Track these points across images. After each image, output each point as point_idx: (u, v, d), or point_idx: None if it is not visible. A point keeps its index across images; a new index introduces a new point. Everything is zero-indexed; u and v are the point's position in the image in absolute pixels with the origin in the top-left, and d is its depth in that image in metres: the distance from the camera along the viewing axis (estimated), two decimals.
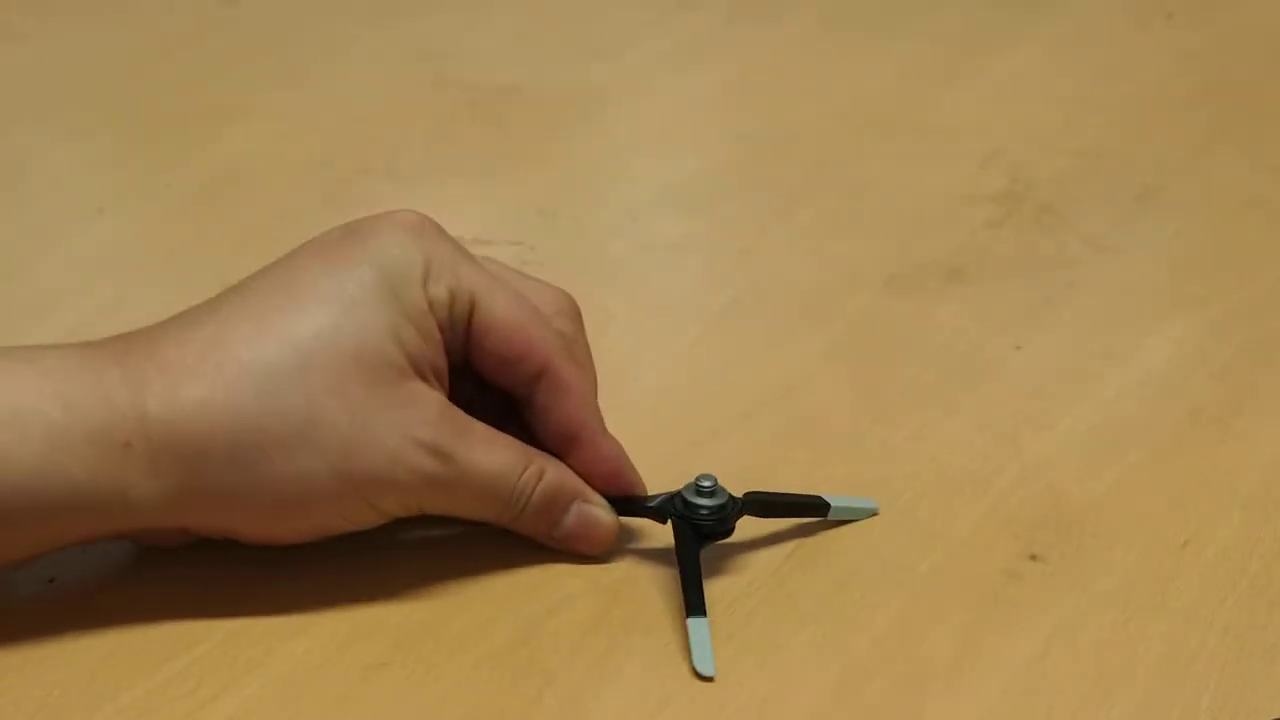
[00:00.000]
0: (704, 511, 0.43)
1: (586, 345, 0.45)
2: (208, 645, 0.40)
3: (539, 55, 0.78)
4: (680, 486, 0.43)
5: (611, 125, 0.72)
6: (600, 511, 0.43)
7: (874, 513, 0.46)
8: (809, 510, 0.45)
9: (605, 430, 0.44)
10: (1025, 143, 0.70)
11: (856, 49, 0.80)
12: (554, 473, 0.42)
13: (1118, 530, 0.45)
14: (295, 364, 0.39)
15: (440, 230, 0.42)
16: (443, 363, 0.41)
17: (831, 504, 0.45)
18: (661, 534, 0.44)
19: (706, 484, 0.43)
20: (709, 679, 0.40)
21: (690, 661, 0.40)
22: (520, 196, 0.64)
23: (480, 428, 0.41)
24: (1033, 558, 0.44)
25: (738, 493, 0.44)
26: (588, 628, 0.41)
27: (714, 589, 0.43)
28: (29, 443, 0.37)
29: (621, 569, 0.43)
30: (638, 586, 0.43)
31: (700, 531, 0.43)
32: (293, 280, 0.40)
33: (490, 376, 0.43)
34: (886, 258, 0.60)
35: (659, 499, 0.43)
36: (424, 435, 0.40)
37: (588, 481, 0.43)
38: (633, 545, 0.44)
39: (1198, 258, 0.61)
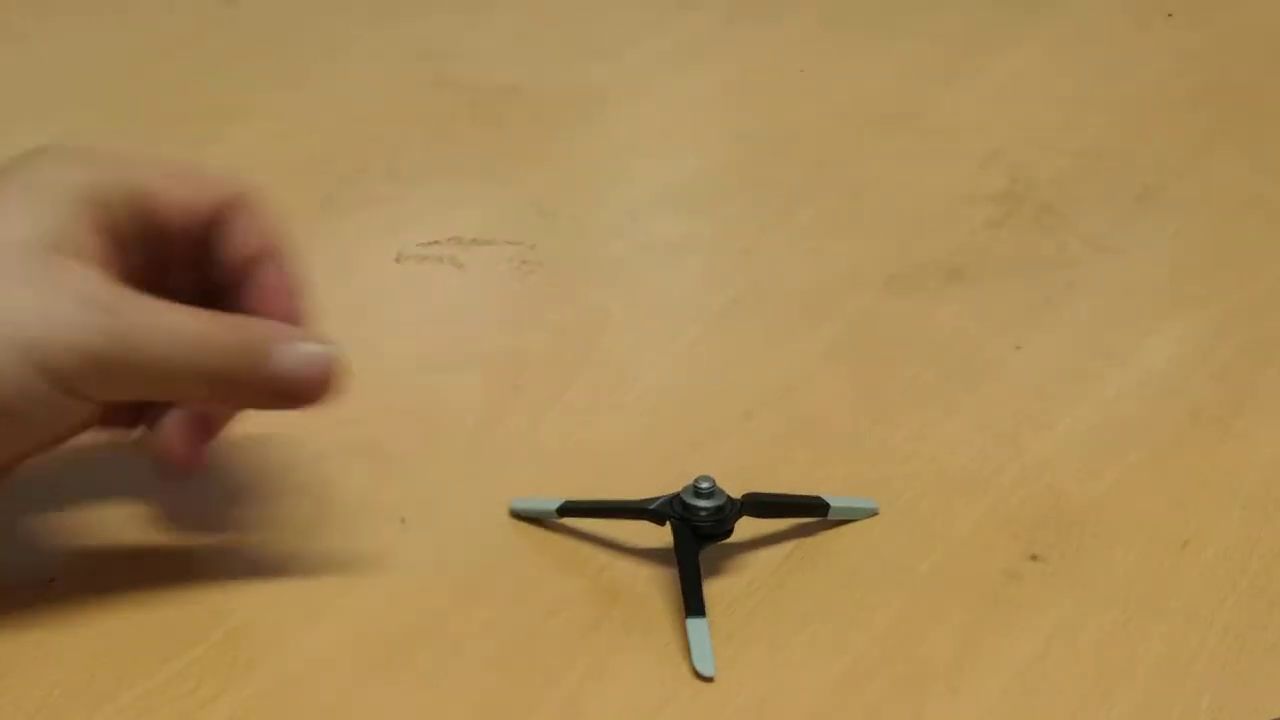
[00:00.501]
0: (703, 513, 0.43)
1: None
2: (208, 645, 0.40)
3: (539, 55, 0.78)
4: (680, 488, 0.43)
5: (611, 125, 0.72)
6: (309, 345, 0.39)
7: (874, 513, 0.46)
8: (809, 510, 0.45)
9: (286, 253, 0.42)
10: (1025, 143, 0.70)
11: (856, 49, 0.80)
12: (243, 320, 0.39)
13: (1118, 530, 0.45)
14: None
15: (102, 148, 0.41)
16: (114, 259, 0.39)
17: (831, 504, 0.45)
18: (661, 535, 0.44)
19: (705, 485, 0.43)
20: (709, 679, 0.40)
21: (690, 661, 0.40)
22: (520, 196, 0.64)
23: (160, 300, 0.38)
24: (1033, 558, 0.44)
25: (737, 493, 0.44)
26: (588, 628, 0.41)
27: (714, 589, 0.43)
28: None
29: (621, 569, 0.43)
30: (637, 586, 0.43)
31: (699, 533, 0.43)
32: None
33: (181, 256, 0.41)
34: (886, 258, 0.60)
35: (658, 501, 0.43)
36: (93, 292, 0.37)
37: (266, 306, 0.41)
38: (633, 546, 0.44)
39: (1198, 258, 0.61)
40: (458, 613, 0.42)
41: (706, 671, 0.40)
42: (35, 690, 0.39)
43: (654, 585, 0.43)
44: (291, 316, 0.41)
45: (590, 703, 0.39)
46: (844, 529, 0.45)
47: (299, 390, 0.39)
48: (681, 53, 0.79)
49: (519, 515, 0.45)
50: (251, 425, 0.48)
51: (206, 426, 0.43)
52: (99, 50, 0.77)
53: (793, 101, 0.74)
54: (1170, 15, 0.84)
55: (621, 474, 0.47)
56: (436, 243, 0.60)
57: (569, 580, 0.43)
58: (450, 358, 0.53)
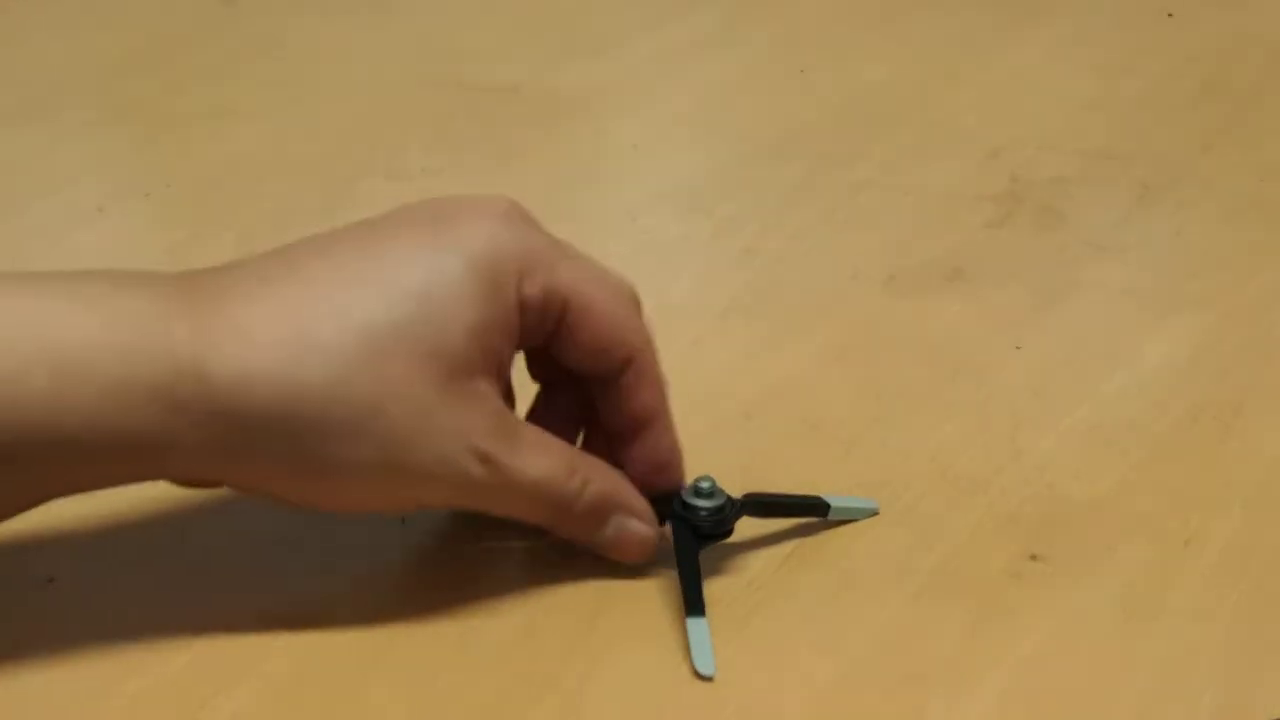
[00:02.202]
0: (703, 513, 0.43)
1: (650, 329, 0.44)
2: (208, 645, 0.40)
3: (539, 55, 0.78)
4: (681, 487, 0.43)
5: (611, 125, 0.72)
6: (641, 526, 0.43)
7: (874, 513, 0.46)
8: (809, 510, 0.45)
9: (672, 421, 0.44)
10: (1025, 143, 0.70)
11: (856, 49, 0.80)
12: (599, 482, 0.42)
13: (1118, 530, 0.45)
14: (369, 352, 0.38)
15: (531, 220, 0.42)
16: (511, 360, 0.41)
17: (831, 504, 0.45)
18: (662, 535, 0.44)
19: (705, 485, 0.43)
20: (709, 679, 0.40)
21: (690, 661, 0.40)
22: (520, 196, 0.64)
23: (531, 433, 0.41)
24: (1033, 558, 0.44)
25: (737, 493, 0.44)
26: (588, 628, 0.41)
27: (714, 589, 0.43)
28: (86, 393, 0.36)
29: (621, 569, 0.43)
30: (637, 586, 0.43)
31: (699, 533, 0.43)
32: (379, 257, 0.39)
33: (575, 365, 0.43)
34: (886, 258, 0.60)
35: (658, 500, 0.43)
36: (478, 442, 0.39)
37: (639, 469, 0.43)
38: None
39: (1198, 258, 0.61)
40: (458, 612, 0.42)
41: (706, 671, 0.40)
42: (36, 690, 0.39)
43: (654, 585, 0.43)
44: (658, 482, 0.44)
45: (590, 703, 0.39)
46: (844, 529, 0.45)
47: (610, 552, 0.43)
48: (681, 52, 0.79)
49: None
50: None
51: None
52: (99, 50, 0.77)
53: (793, 101, 0.74)
54: (1170, 15, 0.84)
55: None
56: None
57: (569, 580, 0.43)
58: None
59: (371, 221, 0.41)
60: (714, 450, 0.48)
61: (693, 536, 0.43)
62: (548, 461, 0.41)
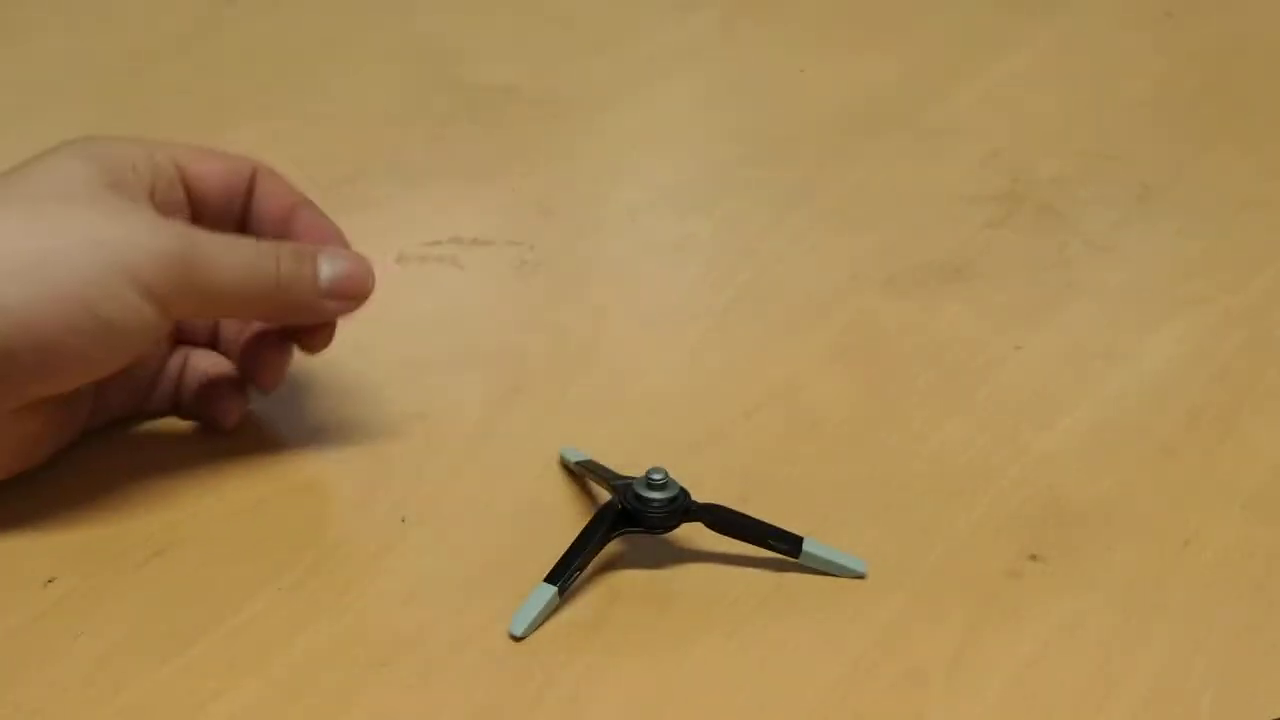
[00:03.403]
0: (654, 504, 0.43)
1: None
2: (208, 645, 0.40)
3: (539, 55, 0.78)
4: (680, 487, 0.43)
5: (611, 125, 0.72)
6: (350, 261, 0.45)
7: (860, 575, 0.43)
8: (776, 543, 0.43)
9: (317, 208, 0.47)
10: (1025, 143, 0.70)
11: (856, 49, 0.80)
12: (291, 243, 0.45)
13: (1118, 530, 0.45)
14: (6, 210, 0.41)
15: (108, 138, 0.44)
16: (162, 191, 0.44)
17: (806, 547, 0.43)
18: (663, 540, 0.44)
19: (658, 477, 0.43)
20: (516, 638, 0.40)
21: (512, 617, 0.41)
22: (520, 196, 0.64)
23: (209, 230, 0.43)
24: (1033, 558, 0.44)
25: (736, 492, 0.43)
26: (588, 628, 0.41)
27: (714, 588, 0.43)
28: None
29: (621, 569, 0.43)
30: (638, 586, 0.43)
31: (632, 519, 0.43)
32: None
33: (212, 214, 0.46)
34: (886, 258, 0.60)
35: (621, 481, 0.43)
36: (161, 221, 0.42)
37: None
38: (632, 546, 0.44)
39: (1198, 258, 0.61)
40: (457, 612, 0.42)
41: (515, 631, 0.40)
42: (35, 690, 0.39)
43: (654, 585, 0.43)
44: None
45: (590, 703, 0.39)
46: (843, 529, 0.45)
47: (345, 289, 0.45)
48: (681, 52, 0.79)
49: (564, 464, 0.47)
50: (251, 426, 0.48)
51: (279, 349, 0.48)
52: (99, 50, 0.77)
53: (793, 101, 0.74)
54: (1170, 15, 0.84)
55: (622, 474, 0.47)
56: (437, 243, 0.60)
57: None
58: (450, 358, 0.53)
59: None
60: (714, 450, 0.49)
61: (611, 519, 0.43)
62: (240, 241, 0.44)
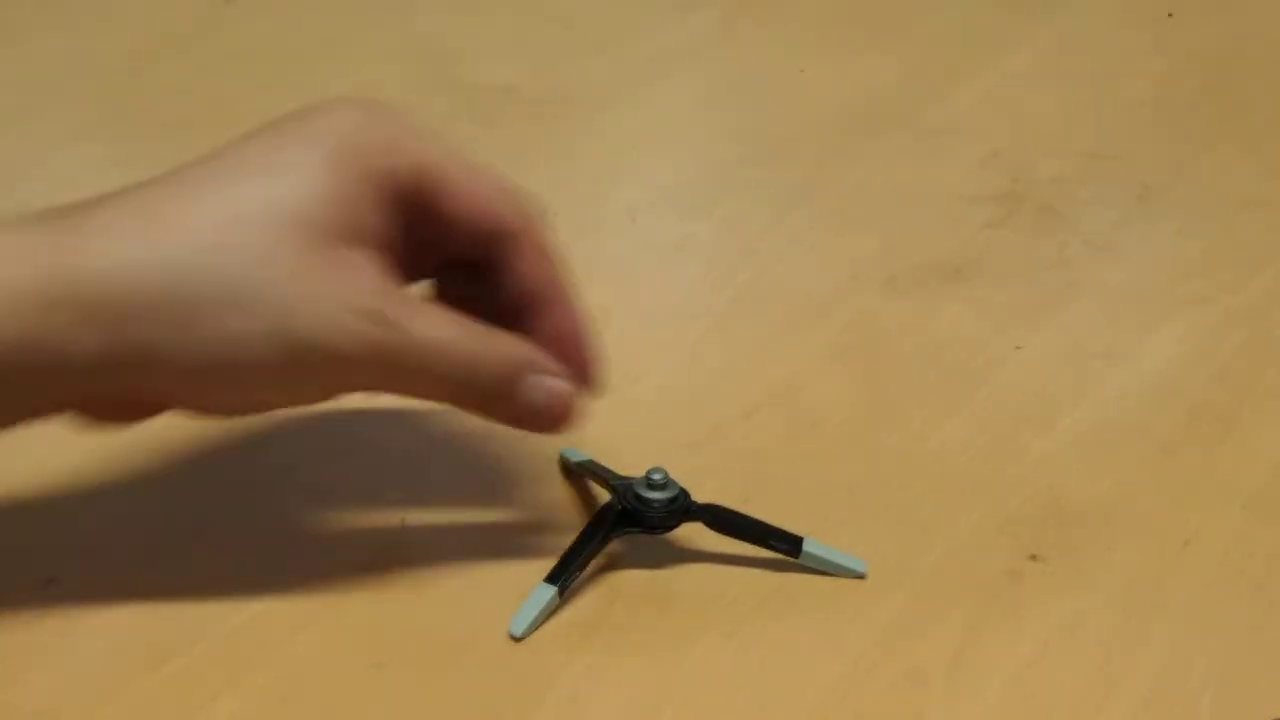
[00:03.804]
0: (655, 505, 0.43)
1: (543, 229, 0.43)
2: (208, 645, 0.40)
3: (539, 55, 0.78)
4: (680, 488, 0.43)
5: (611, 125, 0.72)
6: (558, 382, 0.41)
7: (860, 575, 0.43)
8: (776, 544, 0.43)
9: (571, 293, 0.42)
10: (1025, 143, 0.70)
11: (856, 49, 0.80)
12: (507, 345, 0.40)
13: (1118, 530, 0.45)
14: (232, 225, 0.38)
15: (391, 109, 0.41)
16: (397, 239, 0.40)
17: (806, 548, 0.43)
18: (663, 540, 0.44)
19: (658, 477, 0.43)
20: (515, 638, 0.40)
21: (511, 618, 0.41)
22: None
23: (426, 303, 0.40)
24: (1033, 558, 0.44)
25: (736, 492, 0.43)
26: (587, 628, 0.41)
27: (715, 587, 0.43)
28: None
29: (621, 569, 0.43)
30: (638, 586, 0.43)
31: (631, 519, 0.43)
32: (237, 152, 0.40)
33: (456, 246, 0.42)
34: (886, 258, 0.60)
35: (621, 482, 0.43)
36: (367, 302, 0.38)
37: (550, 347, 0.42)
38: (632, 547, 0.44)
39: (1198, 258, 0.61)
40: (457, 612, 0.42)
41: (516, 632, 0.40)
42: (36, 690, 0.39)
43: (654, 585, 0.43)
44: (580, 362, 0.42)
45: (590, 703, 0.39)
46: (843, 530, 0.45)
47: (532, 421, 0.41)
48: (681, 52, 0.79)
49: (565, 464, 0.47)
50: (251, 426, 0.48)
51: None
52: (99, 50, 0.77)
53: (793, 101, 0.74)
54: (1170, 15, 0.84)
55: (622, 474, 0.47)
56: None
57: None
58: None
59: (239, 136, 0.41)
60: (714, 450, 0.49)
61: (612, 520, 0.42)
62: (450, 324, 0.40)
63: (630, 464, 0.45)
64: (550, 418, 0.41)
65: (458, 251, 0.42)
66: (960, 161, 0.68)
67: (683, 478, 0.43)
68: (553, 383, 0.41)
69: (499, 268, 0.42)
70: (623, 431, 0.49)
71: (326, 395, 0.40)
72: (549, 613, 0.41)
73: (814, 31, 0.82)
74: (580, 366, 0.42)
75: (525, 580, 0.42)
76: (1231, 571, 0.44)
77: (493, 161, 0.69)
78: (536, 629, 0.41)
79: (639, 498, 0.43)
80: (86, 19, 0.81)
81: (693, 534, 0.44)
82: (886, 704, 0.39)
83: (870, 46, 0.80)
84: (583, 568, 0.42)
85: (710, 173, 0.68)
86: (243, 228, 0.38)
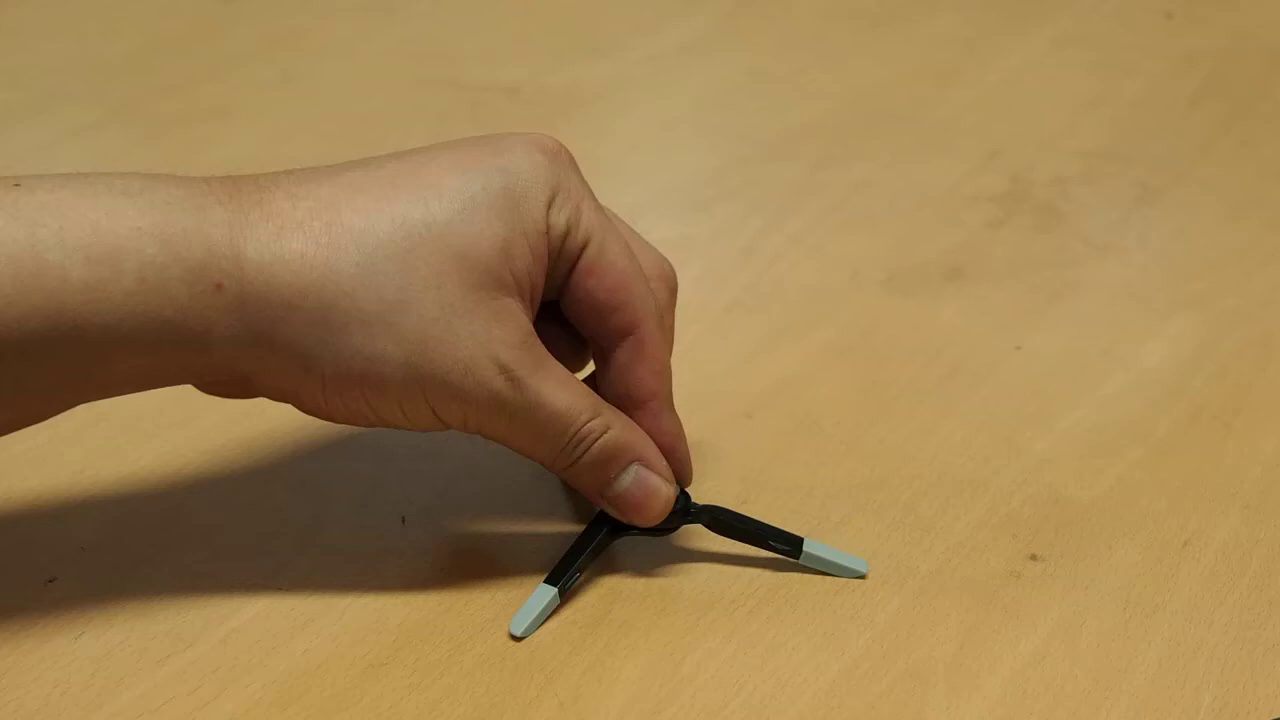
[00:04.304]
0: None
1: (673, 318, 0.44)
2: (208, 645, 0.40)
3: (539, 55, 0.78)
4: (680, 488, 0.43)
5: (611, 125, 0.72)
6: (658, 480, 0.42)
7: (861, 575, 0.43)
8: (777, 545, 0.43)
9: (672, 406, 0.43)
10: (1025, 143, 0.70)
11: (857, 49, 0.80)
12: (620, 430, 0.41)
13: (1118, 530, 0.45)
14: (401, 245, 0.38)
15: (573, 161, 0.42)
16: (540, 289, 0.41)
17: (806, 548, 0.43)
18: (663, 540, 0.44)
19: None
20: (515, 638, 0.40)
21: (512, 617, 0.41)
22: None
23: (557, 365, 0.41)
24: (1033, 558, 0.44)
25: (735, 492, 0.43)
26: (588, 628, 0.41)
27: (713, 589, 0.43)
28: (122, 280, 0.36)
29: (621, 569, 0.43)
30: (637, 586, 0.43)
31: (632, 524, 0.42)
32: (420, 168, 0.40)
33: (579, 319, 0.43)
34: (886, 258, 0.60)
35: None
36: (503, 354, 0.39)
37: None
38: (632, 547, 0.44)
39: (1198, 258, 0.61)
40: (457, 612, 0.42)
41: (516, 631, 0.40)
42: (35, 690, 0.39)
43: (654, 585, 0.43)
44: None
45: (590, 703, 0.39)
46: (843, 530, 0.45)
47: (622, 506, 0.42)
48: (681, 52, 0.79)
49: None
50: (251, 425, 0.48)
51: None
52: (99, 50, 0.77)
53: (793, 102, 0.74)
54: (1170, 15, 0.84)
55: None
56: None
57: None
58: None
59: (420, 147, 0.41)
60: (714, 450, 0.49)
61: (614, 520, 0.42)
62: (572, 394, 0.40)
63: None
64: (638, 508, 0.42)
65: (577, 323, 0.43)
66: (960, 161, 0.68)
67: None
68: (653, 480, 0.42)
69: (609, 359, 0.43)
70: None
71: (435, 428, 0.41)
72: (549, 613, 0.41)
73: (814, 31, 0.82)
74: (673, 468, 0.43)
75: (525, 580, 0.42)
76: (1231, 571, 0.44)
77: None
78: (537, 629, 0.41)
79: None
80: (86, 19, 0.81)
81: (693, 534, 0.44)
82: (886, 704, 0.39)
83: (870, 47, 0.80)
84: (583, 569, 0.42)
85: (710, 173, 0.68)
86: (410, 252, 0.38)
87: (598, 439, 0.41)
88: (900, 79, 0.76)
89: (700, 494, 0.44)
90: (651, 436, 0.42)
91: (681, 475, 0.43)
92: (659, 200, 0.65)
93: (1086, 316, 0.57)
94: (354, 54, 0.78)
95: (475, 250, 0.39)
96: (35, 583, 0.42)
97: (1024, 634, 0.41)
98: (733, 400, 0.51)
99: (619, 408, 0.42)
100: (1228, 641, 0.41)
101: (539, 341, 0.40)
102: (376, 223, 0.38)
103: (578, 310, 0.42)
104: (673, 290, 0.44)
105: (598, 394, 0.42)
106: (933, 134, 0.71)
